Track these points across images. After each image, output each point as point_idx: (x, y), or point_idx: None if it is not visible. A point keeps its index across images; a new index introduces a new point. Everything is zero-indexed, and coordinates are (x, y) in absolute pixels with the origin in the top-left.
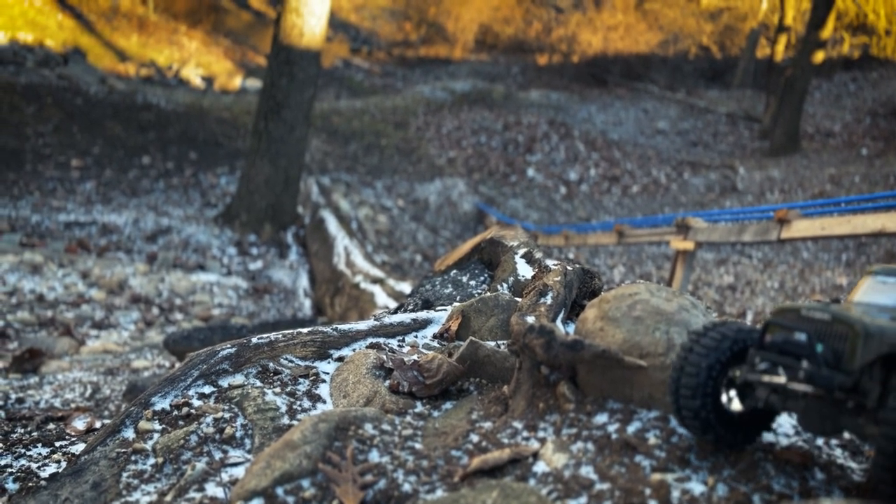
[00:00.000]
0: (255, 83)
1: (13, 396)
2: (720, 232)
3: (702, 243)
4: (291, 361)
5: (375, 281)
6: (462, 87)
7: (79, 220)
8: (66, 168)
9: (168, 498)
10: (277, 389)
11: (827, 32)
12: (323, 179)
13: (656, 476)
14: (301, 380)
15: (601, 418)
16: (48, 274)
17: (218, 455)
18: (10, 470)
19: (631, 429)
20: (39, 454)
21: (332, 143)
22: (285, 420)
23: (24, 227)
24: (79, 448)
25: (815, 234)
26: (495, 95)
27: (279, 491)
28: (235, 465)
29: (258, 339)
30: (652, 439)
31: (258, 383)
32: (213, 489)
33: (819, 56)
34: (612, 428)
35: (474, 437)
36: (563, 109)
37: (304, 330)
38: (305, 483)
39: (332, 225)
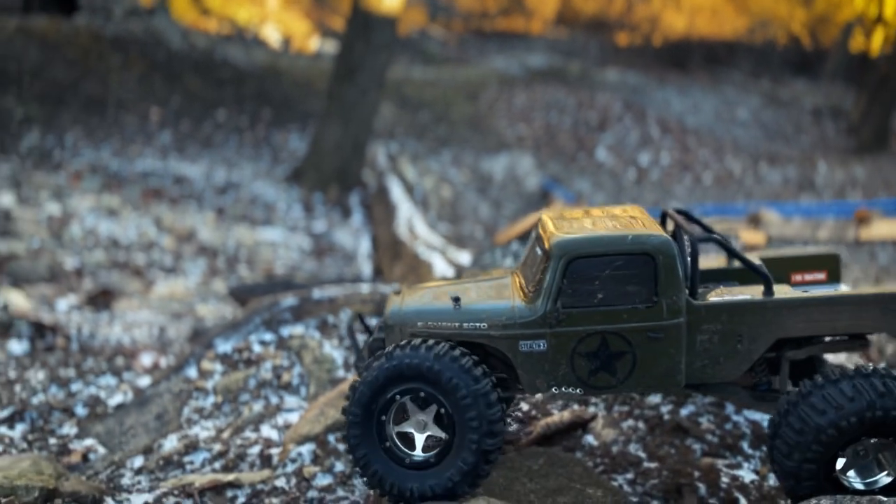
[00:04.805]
0: (330, 46)
1: (86, 330)
2: (794, 228)
3: (773, 238)
4: (361, 315)
5: (435, 249)
6: (537, 62)
7: (155, 169)
8: (146, 118)
9: (225, 435)
10: (335, 342)
11: None
12: (391, 146)
13: (707, 460)
14: (359, 336)
15: (655, 398)
16: (123, 218)
17: (274, 399)
18: (80, 397)
19: (685, 412)
20: (108, 384)
21: (402, 111)
22: (340, 372)
23: (104, 172)
24: (144, 382)
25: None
26: (571, 73)
27: (331, 438)
28: (290, 410)
29: (320, 293)
30: (705, 424)
31: (317, 335)
32: (267, 431)
33: None
34: (665, 409)
35: (524, 405)
36: (639, 91)
37: (365, 288)
38: None
39: (397, 192)
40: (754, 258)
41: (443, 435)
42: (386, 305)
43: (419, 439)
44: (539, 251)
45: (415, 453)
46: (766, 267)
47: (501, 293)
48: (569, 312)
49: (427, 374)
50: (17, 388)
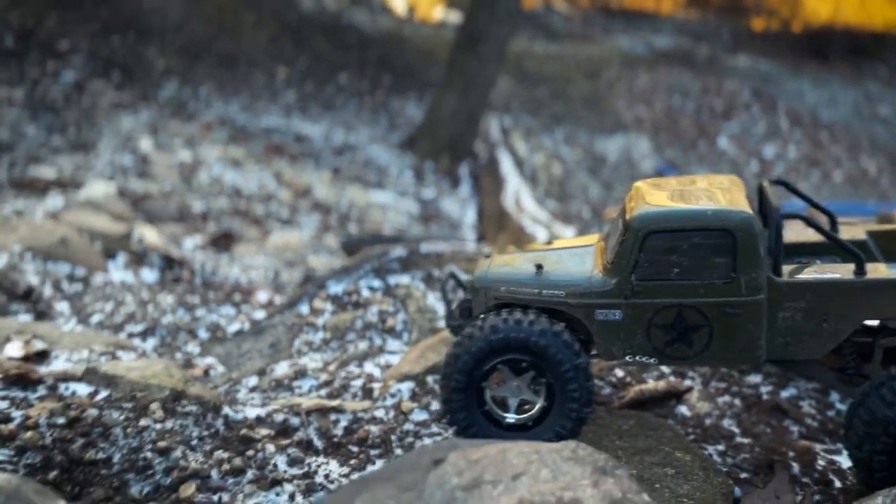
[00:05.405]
0: (454, 16)
1: (209, 267)
2: None
3: None
4: (455, 273)
5: (540, 223)
6: (664, 43)
7: (278, 126)
8: (273, 76)
9: (331, 367)
10: (438, 295)
11: None
12: (505, 120)
13: (804, 443)
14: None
15: (755, 378)
16: (247, 170)
17: (378, 341)
18: (203, 322)
19: (785, 393)
20: (228, 314)
21: (519, 85)
22: (441, 323)
23: (232, 125)
24: (259, 315)
25: None
26: (698, 56)
27: (429, 378)
28: (392, 353)
29: (427, 247)
30: (806, 408)
31: (422, 286)
32: (370, 368)
33: None
34: (764, 389)
35: (619, 371)
36: (771, 80)
37: (470, 247)
38: None
39: (507, 165)
40: (858, 232)
41: (535, 399)
42: (475, 269)
43: (513, 403)
44: (621, 222)
45: (508, 415)
46: (872, 241)
47: (583, 262)
48: (644, 285)
49: (533, 347)
50: (150, 308)
